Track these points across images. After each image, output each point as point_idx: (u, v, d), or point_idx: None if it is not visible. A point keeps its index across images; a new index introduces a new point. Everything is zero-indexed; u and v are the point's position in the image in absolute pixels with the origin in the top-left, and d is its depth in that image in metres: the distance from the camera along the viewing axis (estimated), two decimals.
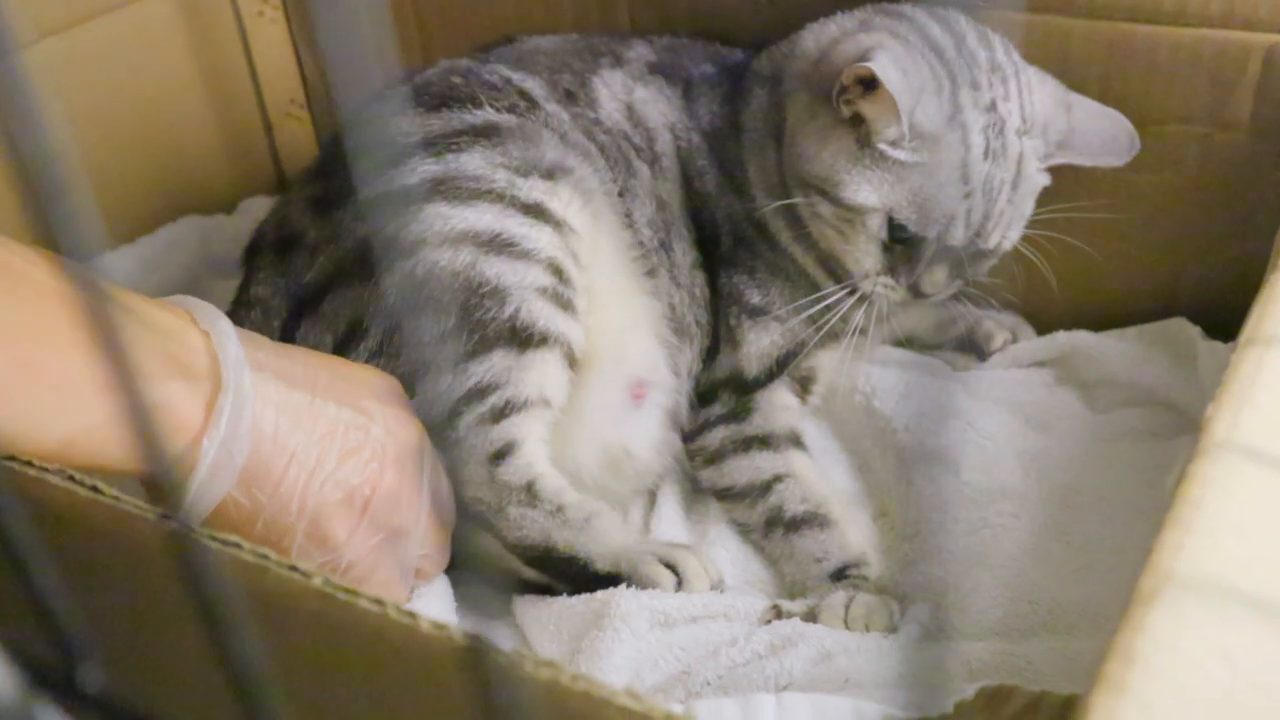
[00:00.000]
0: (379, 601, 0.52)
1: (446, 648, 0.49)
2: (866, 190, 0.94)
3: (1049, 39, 1.01)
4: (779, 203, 1.00)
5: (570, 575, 0.89)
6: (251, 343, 0.75)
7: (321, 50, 0.23)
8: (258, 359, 0.74)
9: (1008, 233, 0.97)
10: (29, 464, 0.60)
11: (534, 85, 1.03)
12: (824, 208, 0.97)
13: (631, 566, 0.87)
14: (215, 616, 0.32)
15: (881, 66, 0.88)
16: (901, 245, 0.96)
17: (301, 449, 0.75)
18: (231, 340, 0.74)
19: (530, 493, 0.89)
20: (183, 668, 0.58)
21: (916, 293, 0.97)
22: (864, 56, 0.91)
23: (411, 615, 0.51)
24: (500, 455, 0.90)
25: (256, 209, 1.36)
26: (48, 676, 0.32)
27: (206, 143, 1.37)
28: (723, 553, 0.97)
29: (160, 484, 0.66)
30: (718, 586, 0.89)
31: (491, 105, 0.98)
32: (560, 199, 0.96)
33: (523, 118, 0.99)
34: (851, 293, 0.99)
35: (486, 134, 0.95)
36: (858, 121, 0.94)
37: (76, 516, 0.59)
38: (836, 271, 1.01)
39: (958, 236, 0.95)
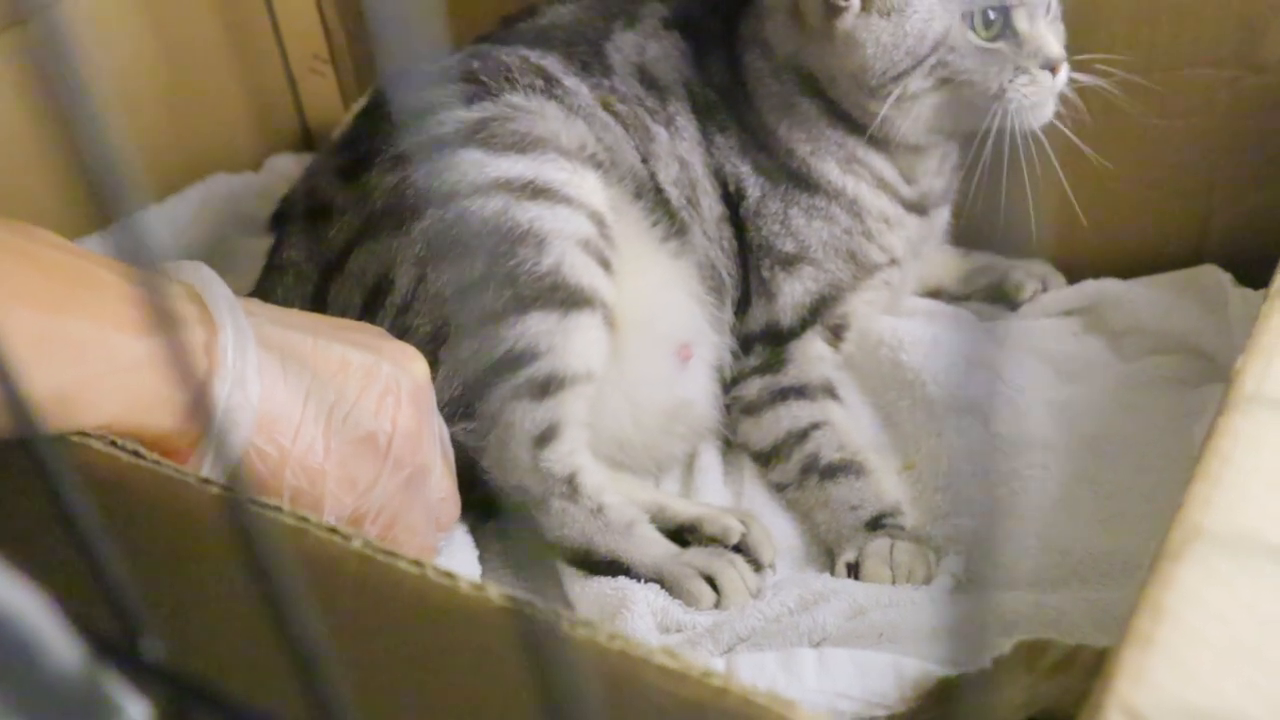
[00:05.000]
0: (418, 563, 0.53)
1: (485, 607, 0.50)
2: (930, 22, 0.94)
3: None
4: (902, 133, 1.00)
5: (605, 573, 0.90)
6: (242, 300, 0.73)
7: (370, 20, 0.24)
8: (249, 308, 0.73)
9: None
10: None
11: (551, 63, 1.02)
12: (914, 82, 0.96)
13: (674, 579, 0.88)
14: (270, 582, 0.33)
15: None
16: (1003, 40, 0.94)
17: (316, 388, 0.73)
18: (217, 283, 0.72)
19: (571, 485, 0.90)
20: (229, 629, 0.59)
21: (1048, 62, 0.94)
22: None
23: (450, 575, 0.52)
24: (544, 439, 0.89)
25: (282, 166, 1.37)
26: (112, 647, 0.33)
27: (231, 100, 1.37)
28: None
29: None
30: (758, 596, 0.88)
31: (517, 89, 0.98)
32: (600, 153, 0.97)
33: (544, 98, 0.99)
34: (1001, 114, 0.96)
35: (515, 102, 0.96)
36: (866, 1, 0.95)
37: (118, 482, 0.60)
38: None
39: None
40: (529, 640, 0.45)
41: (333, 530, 0.55)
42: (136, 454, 0.60)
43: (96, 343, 0.65)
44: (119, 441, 0.61)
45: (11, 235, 0.66)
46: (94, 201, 0.31)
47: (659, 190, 1.02)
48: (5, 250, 0.65)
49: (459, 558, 0.88)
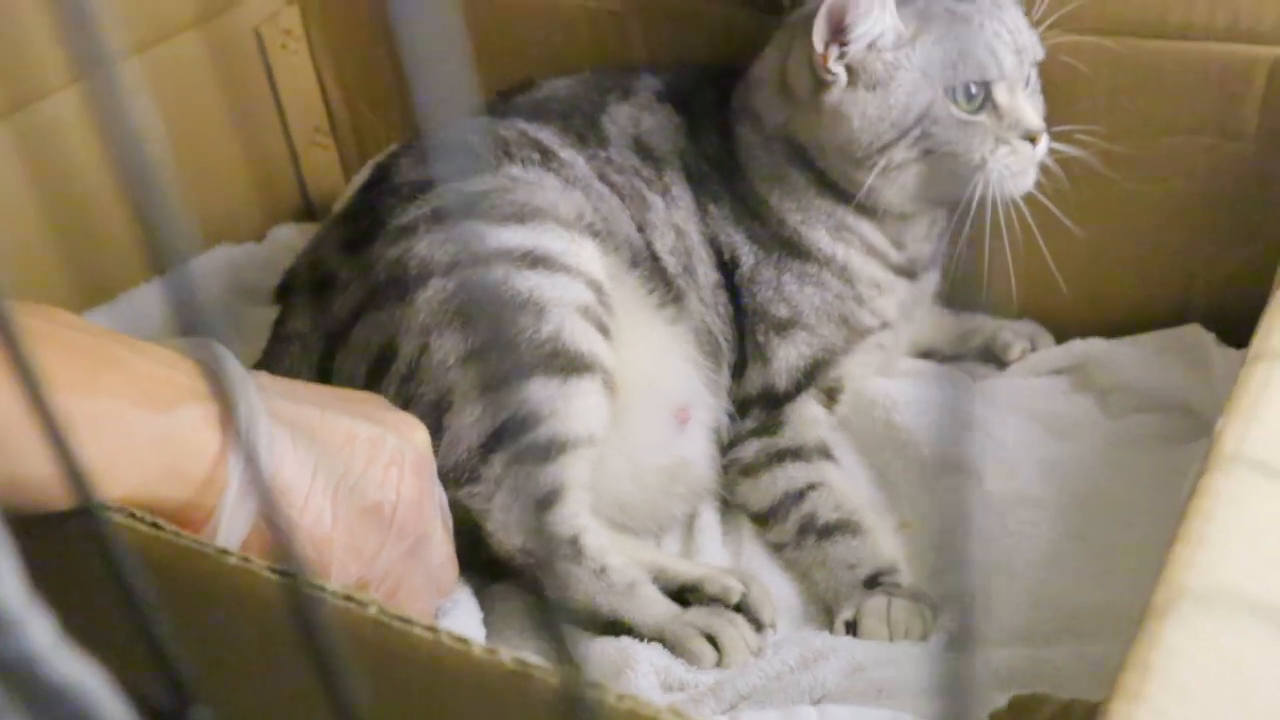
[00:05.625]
0: (433, 628, 0.55)
1: (498, 671, 0.52)
2: (914, 96, 0.97)
3: (1057, 53, 1.03)
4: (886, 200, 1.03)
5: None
6: (252, 374, 0.76)
7: (410, 81, 0.26)
8: (260, 382, 0.75)
9: (1033, 40, 1.01)
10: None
11: (547, 135, 1.05)
12: (898, 153, 0.99)
13: (676, 639, 0.89)
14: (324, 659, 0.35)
15: None
16: (984, 113, 0.98)
17: (324, 460, 0.75)
18: (230, 359, 0.73)
19: (575, 547, 0.91)
20: (245, 692, 0.61)
21: (1028, 133, 0.98)
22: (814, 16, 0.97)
23: (464, 640, 0.54)
24: (547, 501, 0.91)
25: (285, 236, 1.39)
26: (162, 716, 0.35)
27: (234, 173, 1.40)
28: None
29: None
30: (759, 654, 0.89)
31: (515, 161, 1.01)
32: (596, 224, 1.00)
33: (541, 169, 1.02)
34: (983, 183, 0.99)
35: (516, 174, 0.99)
36: (853, 76, 0.98)
37: (138, 553, 0.62)
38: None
39: (1009, 61, 0.98)
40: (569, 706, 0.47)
41: (349, 597, 0.57)
42: (156, 525, 0.62)
43: (115, 419, 0.67)
44: (137, 513, 0.63)
45: (31, 318, 0.68)
46: (149, 249, 0.33)
47: (655, 259, 1.04)
48: (30, 334, 0.67)
49: (464, 620, 0.89)
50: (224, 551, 0.61)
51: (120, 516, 0.63)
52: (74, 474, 0.33)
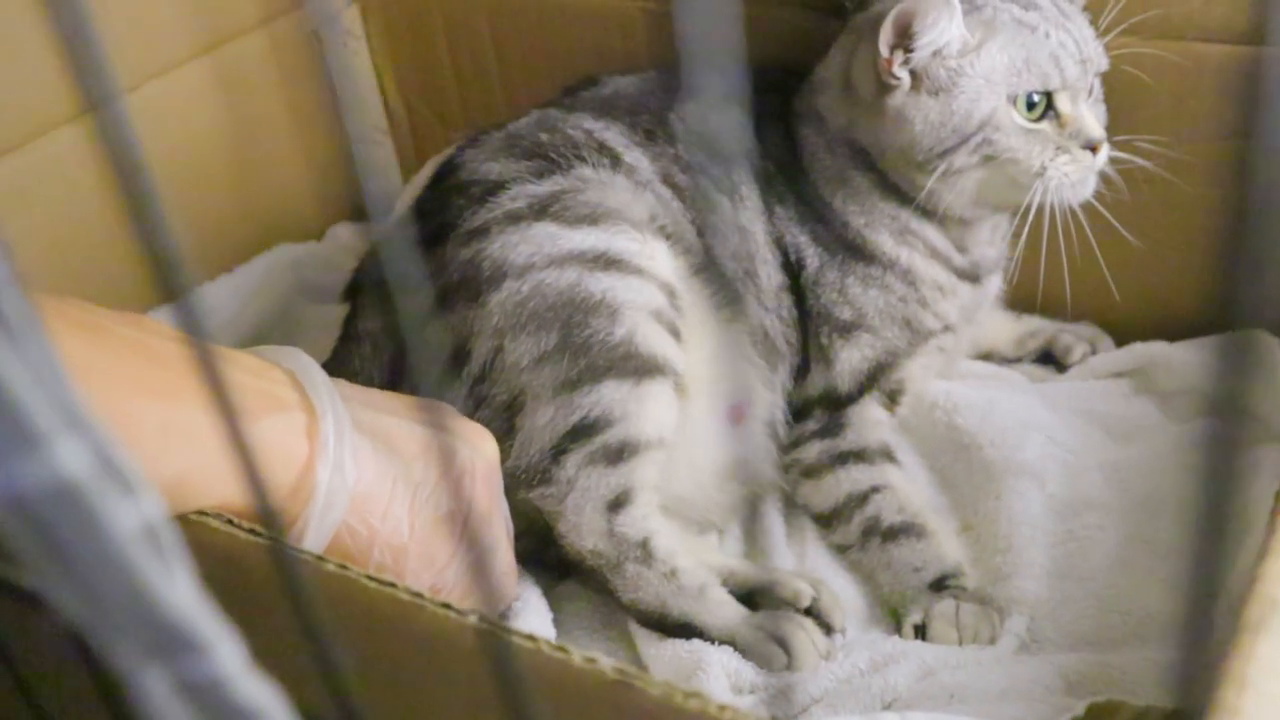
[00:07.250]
0: (532, 637, 0.56)
1: (599, 680, 0.53)
2: (977, 103, 0.98)
3: (1120, 62, 1.03)
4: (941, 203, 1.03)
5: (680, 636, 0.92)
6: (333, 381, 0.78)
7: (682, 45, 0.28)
8: (343, 392, 0.77)
9: (1098, 50, 1.01)
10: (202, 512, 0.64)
11: (614, 135, 1.06)
12: (959, 159, 1.00)
13: (746, 642, 0.89)
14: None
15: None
16: (1045, 121, 0.99)
17: (402, 470, 0.77)
18: (315, 369, 0.76)
19: (645, 549, 0.92)
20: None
21: (1089, 142, 0.99)
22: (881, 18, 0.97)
23: (564, 649, 0.55)
24: (618, 504, 0.92)
25: (344, 235, 1.41)
26: None
27: (294, 172, 1.42)
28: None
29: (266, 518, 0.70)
30: (829, 658, 0.90)
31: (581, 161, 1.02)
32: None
33: (612, 171, 1.02)
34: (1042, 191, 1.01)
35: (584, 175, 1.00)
36: (916, 80, 0.99)
37: (236, 558, 0.64)
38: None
39: (1072, 70, 0.98)
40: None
41: (447, 606, 0.58)
42: (254, 531, 0.64)
43: (204, 428, 0.68)
44: (235, 520, 0.65)
45: (125, 327, 0.70)
46: (157, 280, 0.34)
47: (715, 263, 1.05)
48: (122, 343, 0.69)
49: (534, 620, 0.91)
50: (321, 558, 0.62)
51: (218, 522, 0.65)
52: (257, 488, 0.34)
